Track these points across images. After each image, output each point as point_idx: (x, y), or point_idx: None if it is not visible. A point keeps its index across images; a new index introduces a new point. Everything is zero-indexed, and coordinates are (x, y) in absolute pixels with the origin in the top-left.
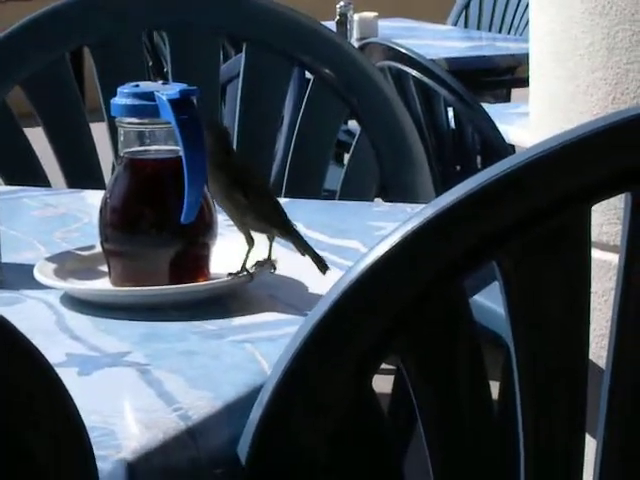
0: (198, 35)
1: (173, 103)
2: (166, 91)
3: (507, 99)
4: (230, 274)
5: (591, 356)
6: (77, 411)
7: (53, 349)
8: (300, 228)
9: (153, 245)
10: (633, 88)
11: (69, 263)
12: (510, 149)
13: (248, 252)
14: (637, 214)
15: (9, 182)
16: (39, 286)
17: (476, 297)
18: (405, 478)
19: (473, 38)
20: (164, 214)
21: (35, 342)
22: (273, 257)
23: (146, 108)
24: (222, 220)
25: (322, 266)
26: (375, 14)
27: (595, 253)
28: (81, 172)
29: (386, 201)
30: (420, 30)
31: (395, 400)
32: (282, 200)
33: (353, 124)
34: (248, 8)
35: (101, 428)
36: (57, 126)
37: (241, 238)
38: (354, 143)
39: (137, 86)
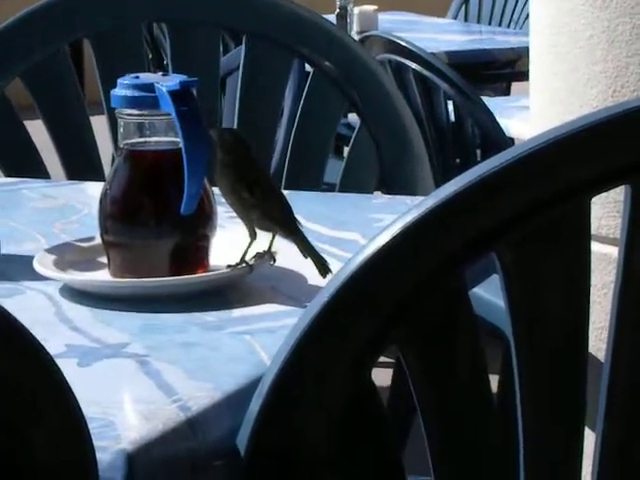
0: (198, 28)
1: (173, 94)
2: (166, 82)
3: (507, 93)
4: (229, 266)
5: (590, 349)
6: (77, 402)
7: (53, 340)
8: (300, 220)
9: (153, 236)
10: (633, 81)
11: (69, 254)
12: (510, 142)
13: (249, 245)
14: (636, 206)
15: (9, 174)
16: (39, 277)
17: (476, 289)
18: (405, 469)
19: (473, 31)
20: (164, 206)
21: (35, 333)
22: (273, 249)
23: (146, 99)
24: (222, 212)
25: (324, 270)
26: (375, 7)
27: (595, 246)
28: (81, 164)
29: (386, 194)
30: (420, 23)
31: (395, 392)
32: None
33: (353, 117)
34: (248, 1)
35: (100, 419)
36: (57, 118)
37: (242, 230)
38: (354, 136)
39: (137, 77)
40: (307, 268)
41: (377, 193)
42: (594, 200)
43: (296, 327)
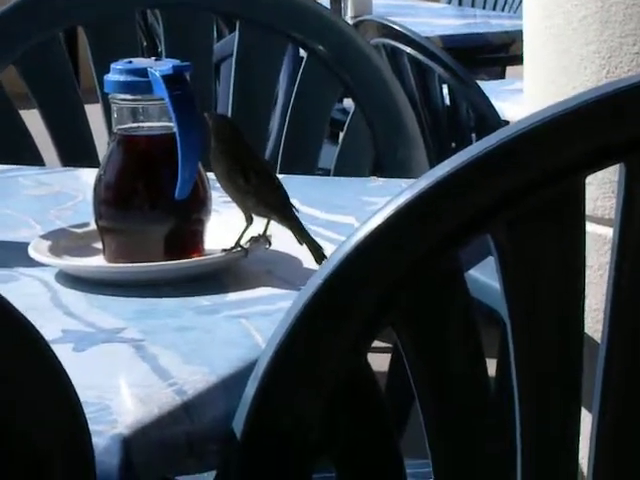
0: (192, 14)
1: (166, 79)
2: (159, 67)
3: (502, 77)
4: (224, 250)
5: (586, 330)
6: (72, 387)
7: (48, 326)
8: (295, 204)
9: (147, 221)
10: (627, 61)
11: (64, 241)
12: (505, 125)
13: (245, 229)
14: (631, 185)
15: (3, 161)
16: (34, 264)
17: (471, 272)
18: (402, 453)
19: (467, 15)
20: (158, 190)
21: (30, 319)
22: (268, 233)
23: (139, 84)
24: (217, 197)
25: (319, 256)
26: None
27: (590, 227)
28: (75, 151)
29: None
30: (414, 8)
31: (393, 377)
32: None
33: (348, 103)
34: None
35: (96, 404)
36: (51, 105)
37: (237, 214)
38: (348, 120)
39: (130, 62)
40: (302, 252)
41: (372, 178)
42: (589, 181)
43: (291, 310)
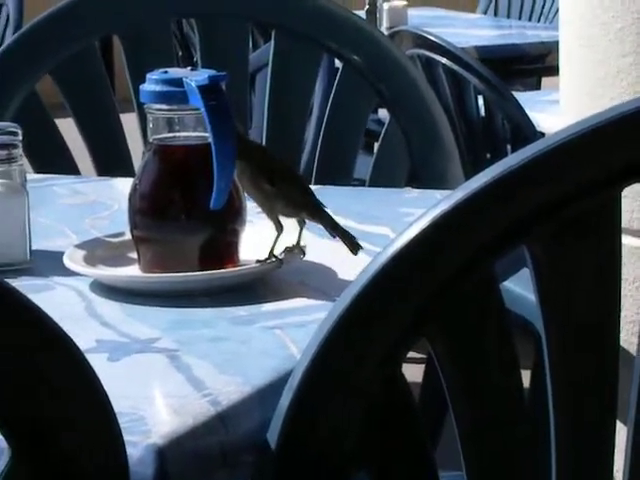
0: (227, 23)
1: (202, 89)
2: (195, 77)
3: (537, 88)
4: (259, 261)
5: (622, 343)
6: (107, 397)
7: (83, 335)
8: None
9: (182, 231)
10: None
11: (99, 250)
12: (540, 137)
13: (277, 238)
14: None
15: (39, 170)
16: (69, 273)
17: (506, 283)
18: (437, 466)
19: (503, 26)
20: (193, 200)
21: (65, 328)
22: (302, 243)
23: (175, 94)
24: (252, 207)
25: (353, 246)
26: (405, 3)
27: (626, 239)
28: (111, 161)
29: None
30: (450, 18)
31: (427, 388)
32: (312, 187)
33: (383, 113)
34: None
35: (131, 414)
36: (87, 114)
37: (270, 224)
38: (384, 131)
39: (166, 72)
40: (336, 262)
41: (407, 189)
42: (625, 193)
43: (326, 321)
